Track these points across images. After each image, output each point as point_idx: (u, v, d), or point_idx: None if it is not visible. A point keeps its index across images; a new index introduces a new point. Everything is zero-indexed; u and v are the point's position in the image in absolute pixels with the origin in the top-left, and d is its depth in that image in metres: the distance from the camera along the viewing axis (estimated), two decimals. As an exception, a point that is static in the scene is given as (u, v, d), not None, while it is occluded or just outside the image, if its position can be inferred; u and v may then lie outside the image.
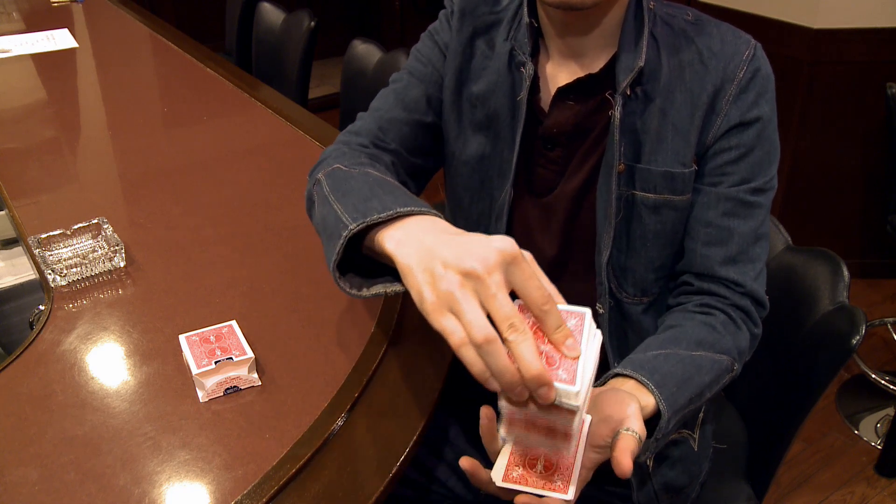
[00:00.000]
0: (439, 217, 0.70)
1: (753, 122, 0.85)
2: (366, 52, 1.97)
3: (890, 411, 2.06)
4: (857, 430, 2.01)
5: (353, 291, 0.73)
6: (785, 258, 1.05)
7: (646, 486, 0.97)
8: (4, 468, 0.74)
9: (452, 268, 0.60)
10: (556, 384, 0.56)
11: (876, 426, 2.02)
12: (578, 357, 0.58)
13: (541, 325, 0.59)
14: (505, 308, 0.57)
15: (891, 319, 2.38)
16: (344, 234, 0.70)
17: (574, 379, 0.57)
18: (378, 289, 0.72)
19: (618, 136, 0.85)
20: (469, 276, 0.59)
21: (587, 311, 0.60)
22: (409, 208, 0.69)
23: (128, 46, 2.31)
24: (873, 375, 2.15)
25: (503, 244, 0.59)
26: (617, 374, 0.80)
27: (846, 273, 0.98)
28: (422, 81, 0.98)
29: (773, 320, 0.94)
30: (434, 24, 1.00)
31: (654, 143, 0.86)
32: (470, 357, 0.58)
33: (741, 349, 0.88)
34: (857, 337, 0.89)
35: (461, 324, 0.58)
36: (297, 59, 2.19)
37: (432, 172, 1.05)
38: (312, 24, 2.15)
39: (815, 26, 2.24)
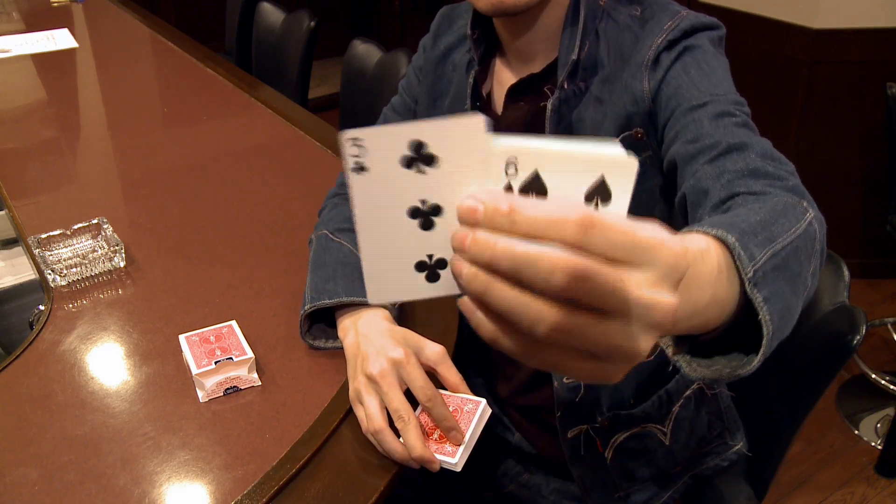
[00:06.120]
0: (378, 308, 0.86)
1: (688, 50, 0.80)
2: (366, 52, 1.97)
3: (890, 411, 2.06)
4: (857, 430, 2.01)
5: (319, 343, 0.90)
6: (785, 258, 1.05)
7: (598, 472, 0.97)
8: (4, 468, 0.74)
9: (361, 371, 0.78)
10: (439, 457, 0.72)
11: (876, 426, 2.02)
12: (461, 443, 0.73)
13: (430, 416, 0.74)
14: (394, 403, 0.74)
15: (891, 319, 2.38)
16: (301, 313, 0.88)
17: (455, 454, 0.73)
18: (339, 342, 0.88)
19: (548, 127, 0.86)
20: (371, 378, 0.76)
21: (482, 401, 0.76)
22: (351, 298, 0.85)
23: (128, 46, 2.31)
24: (873, 375, 2.15)
25: (395, 353, 0.76)
26: None
27: (846, 273, 0.97)
28: (400, 114, 1.07)
29: (773, 320, 0.93)
30: (415, 54, 1.07)
31: (591, 133, 0.86)
32: (370, 439, 0.76)
33: (806, 197, 0.68)
34: (858, 337, 0.89)
35: (365, 415, 0.76)
36: (297, 59, 2.19)
37: None
38: (312, 24, 2.15)
39: (815, 26, 2.24)
